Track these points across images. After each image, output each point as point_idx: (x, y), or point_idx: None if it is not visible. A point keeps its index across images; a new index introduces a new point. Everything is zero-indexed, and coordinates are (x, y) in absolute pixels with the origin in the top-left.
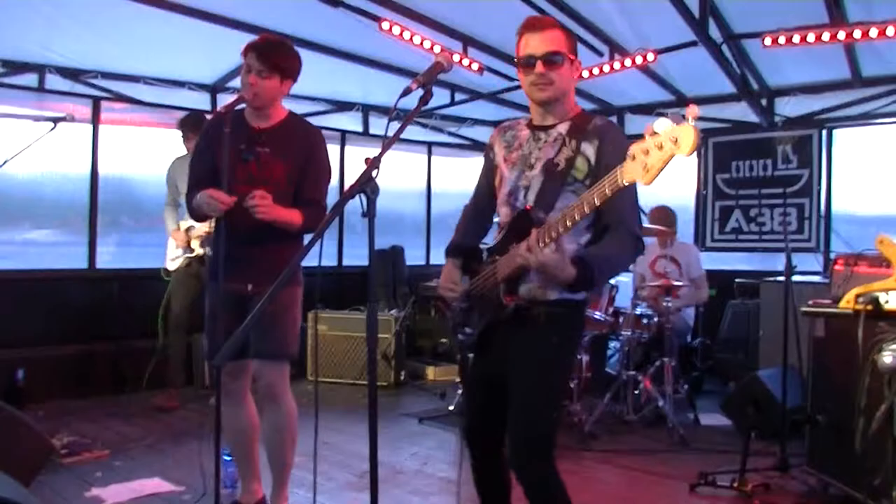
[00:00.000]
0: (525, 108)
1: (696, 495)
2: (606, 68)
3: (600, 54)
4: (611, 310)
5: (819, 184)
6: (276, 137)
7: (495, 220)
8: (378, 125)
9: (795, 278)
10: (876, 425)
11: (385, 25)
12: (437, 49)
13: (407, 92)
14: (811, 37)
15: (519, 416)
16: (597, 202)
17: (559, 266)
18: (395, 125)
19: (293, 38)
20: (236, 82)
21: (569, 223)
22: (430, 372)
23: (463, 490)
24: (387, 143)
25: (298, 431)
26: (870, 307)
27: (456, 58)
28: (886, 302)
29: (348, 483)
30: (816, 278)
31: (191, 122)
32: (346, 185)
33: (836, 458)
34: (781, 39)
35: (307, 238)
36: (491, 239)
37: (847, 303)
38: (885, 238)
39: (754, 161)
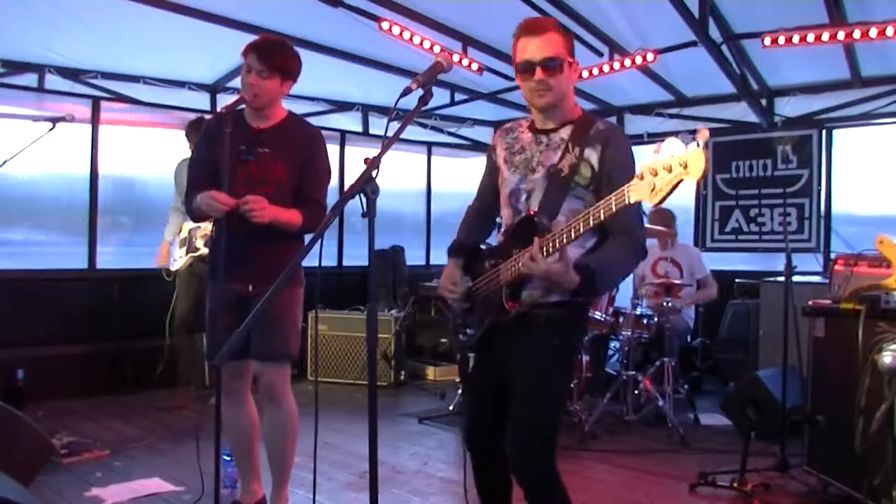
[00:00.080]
0: (525, 109)
1: (696, 495)
2: (606, 68)
3: (600, 54)
4: (611, 310)
5: (819, 184)
6: (276, 138)
7: (498, 220)
8: (378, 125)
9: (795, 278)
10: (876, 425)
11: (385, 25)
12: (436, 49)
13: (407, 92)
14: (811, 37)
15: (520, 417)
16: (602, 217)
17: (563, 275)
18: (395, 125)
19: (293, 38)
20: (236, 82)
21: (573, 235)
22: (430, 372)
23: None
24: (387, 143)
25: (298, 431)
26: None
27: (456, 58)
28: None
29: (348, 483)
30: (816, 278)
31: (196, 126)
32: (346, 185)
33: (836, 458)
34: (781, 39)
35: (308, 238)
36: (493, 239)
37: (847, 303)
38: (885, 238)
39: (754, 161)
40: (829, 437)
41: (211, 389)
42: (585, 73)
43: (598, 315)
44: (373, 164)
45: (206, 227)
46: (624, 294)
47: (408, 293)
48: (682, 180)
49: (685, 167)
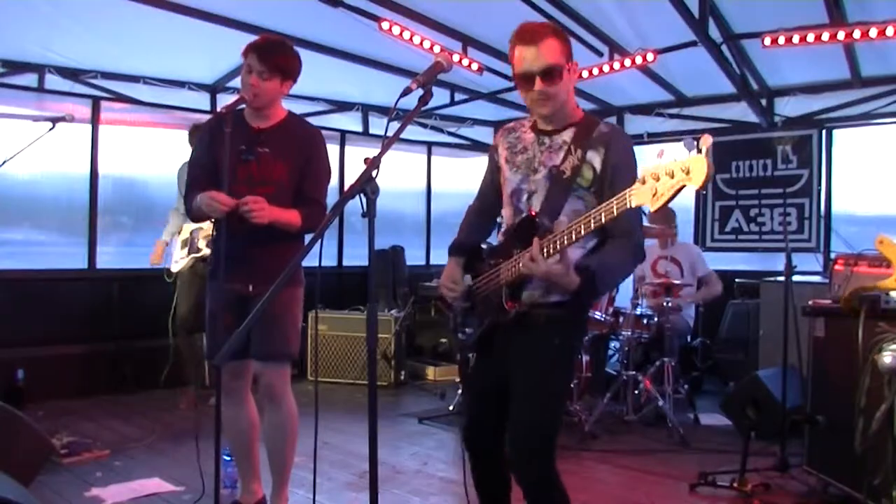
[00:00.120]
0: (525, 108)
1: (696, 495)
2: (606, 68)
3: (600, 54)
4: (611, 310)
5: (819, 184)
6: (276, 138)
7: (499, 220)
8: (378, 125)
9: (795, 278)
10: (876, 425)
11: (385, 25)
12: (436, 49)
13: (407, 92)
14: (811, 37)
15: (520, 416)
16: (604, 220)
17: (563, 276)
18: (395, 125)
19: (293, 38)
20: (236, 82)
21: (574, 237)
22: (430, 372)
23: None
24: (387, 143)
25: (298, 431)
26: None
27: (456, 58)
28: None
29: (348, 483)
30: (816, 278)
31: (199, 130)
32: (346, 185)
33: (836, 458)
34: (781, 39)
35: (308, 238)
36: (494, 239)
37: (847, 303)
38: (885, 238)
39: (754, 161)
40: (829, 437)
41: (211, 389)
42: (585, 73)
43: (598, 315)
44: (373, 164)
45: (209, 227)
46: (624, 294)
47: (408, 293)
48: (684, 186)
49: (688, 173)
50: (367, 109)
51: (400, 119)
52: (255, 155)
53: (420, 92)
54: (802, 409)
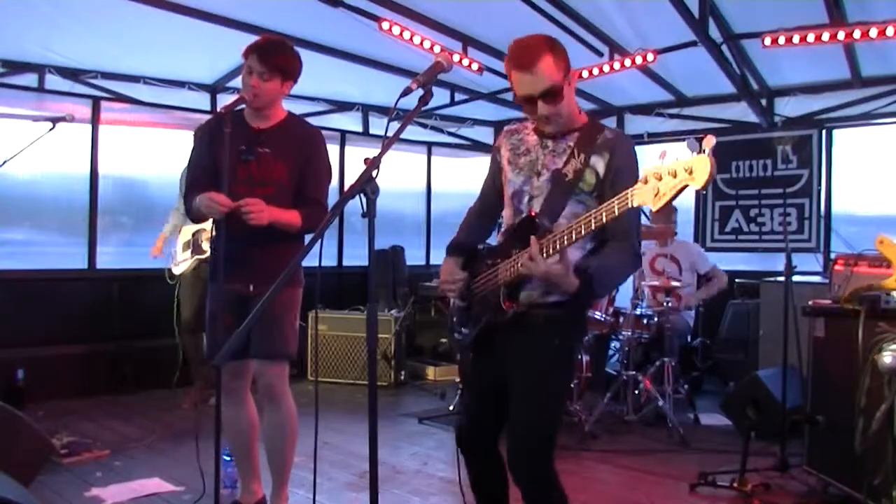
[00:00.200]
0: None
1: (696, 495)
2: (606, 68)
3: (600, 54)
4: (611, 310)
5: (819, 184)
6: (276, 138)
7: (499, 221)
8: (378, 125)
9: (795, 278)
10: (876, 425)
11: (385, 25)
12: (436, 49)
13: (407, 92)
14: (811, 37)
15: (519, 417)
16: (605, 219)
17: (562, 277)
18: (395, 125)
19: (293, 38)
20: (236, 82)
21: (574, 237)
22: (430, 372)
23: (466, 490)
24: (387, 143)
25: (298, 431)
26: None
27: (456, 58)
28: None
29: (348, 483)
30: (816, 278)
31: None
32: (346, 186)
33: (836, 458)
34: (781, 39)
35: (308, 238)
36: (494, 240)
37: (847, 303)
38: (885, 238)
39: (754, 161)
40: (829, 437)
41: (212, 389)
42: (585, 73)
43: (598, 315)
44: (373, 164)
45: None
46: (624, 294)
47: (408, 293)
48: (686, 186)
49: (690, 173)
50: (367, 109)
51: (400, 119)
52: (255, 155)
53: (420, 92)
54: (802, 409)
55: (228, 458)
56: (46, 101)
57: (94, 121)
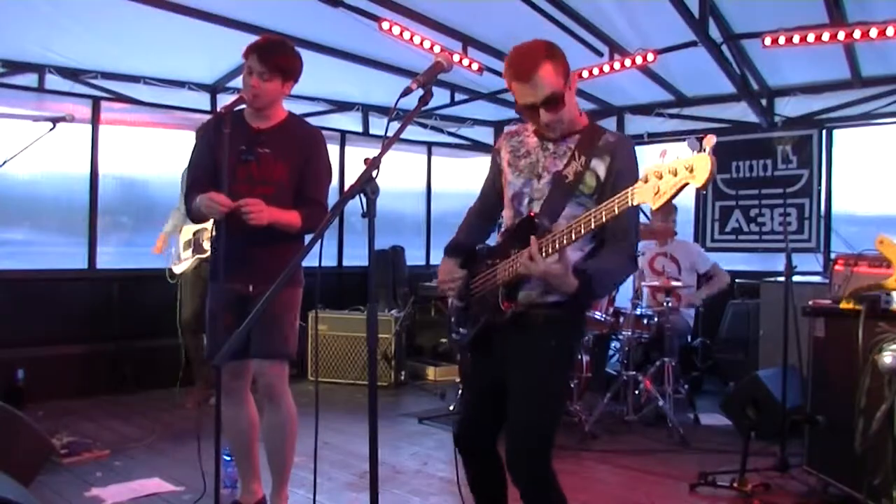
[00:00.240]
0: None
1: (696, 495)
2: (606, 68)
3: (600, 54)
4: (611, 310)
5: (819, 184)
6: (276, 138)
7: (499, 221)
8: (378, 125)
9: (795, 278)
10: (876, 425)
11: (385, 25)
12: (436, 49)
13: (407, 92)
14: (811, 37)
15: (518, 416)
16: (605, 219)
17: (562, 277)
18: (395, 125)
19: (293, 38)
20: (236, 82)
21: (574, 236)
22: (430, 372)
23: (464, 490)
24: (387, 143)
25: (298, 431)
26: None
27: (456, 58)
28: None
29: (348, 483)
30: (816, 278)
31: None
32: (346, 186)
33: (836, 458)
34: (781, 39)
35: (308, 238)
36: (493, 241)
37: (847, 303)
38: (885, 238)
39: (754, 161)
40: (829, 437)
41: (212, 389)
42: (585, 73)
43: (598, 315)
44: (373, 164)
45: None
46: (624, 294)
47: (408, 293)
48: (686, 184)
49: (691, 171)
50: (367, 109)
51: (400, 119)
52: (255, 155)
53: (420, 92)
54: (802, 409)
55: (228, 458)
56: (46, 101)
57: (94, 121)
